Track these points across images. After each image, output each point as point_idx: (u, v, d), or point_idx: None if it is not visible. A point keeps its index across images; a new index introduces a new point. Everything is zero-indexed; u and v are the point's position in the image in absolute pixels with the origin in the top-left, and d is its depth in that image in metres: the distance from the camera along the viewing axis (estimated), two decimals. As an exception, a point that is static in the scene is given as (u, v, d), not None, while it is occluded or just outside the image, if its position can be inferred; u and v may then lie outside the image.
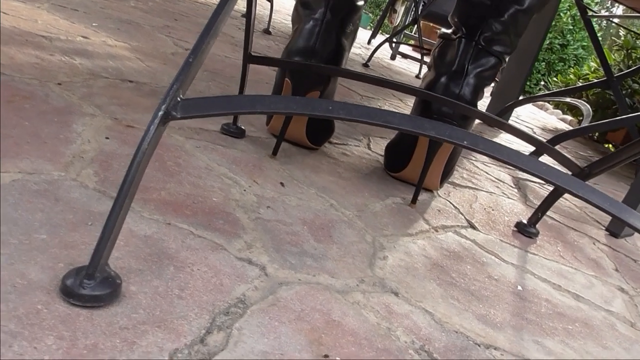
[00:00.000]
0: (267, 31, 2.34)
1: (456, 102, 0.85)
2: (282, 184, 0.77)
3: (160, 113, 0.43)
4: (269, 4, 2.48)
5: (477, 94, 0.90)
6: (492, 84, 3.58)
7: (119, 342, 0.38)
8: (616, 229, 1.14)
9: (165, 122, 0.43)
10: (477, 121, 2.08)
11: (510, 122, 2.21)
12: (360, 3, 0.92)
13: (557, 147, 0.88)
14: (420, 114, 0.92)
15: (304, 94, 0.87)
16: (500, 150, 0.49)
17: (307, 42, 0.86)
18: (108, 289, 0.40)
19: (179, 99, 0.44)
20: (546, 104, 3.81)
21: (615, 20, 2.96)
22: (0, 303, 0.37)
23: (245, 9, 2.74)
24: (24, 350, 0.34)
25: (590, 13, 1.78)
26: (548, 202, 0.92)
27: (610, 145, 2.86)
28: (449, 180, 1.11)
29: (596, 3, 6.38)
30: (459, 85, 0.89)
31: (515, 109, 2.41)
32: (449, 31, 0.94)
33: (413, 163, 0.92)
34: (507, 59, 0.94)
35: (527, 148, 1.74)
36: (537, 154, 1.26)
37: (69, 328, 0.37)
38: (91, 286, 0.40)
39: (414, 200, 0.89)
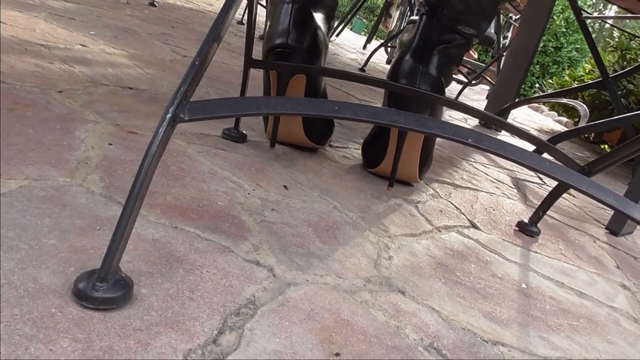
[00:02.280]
0: (262, 37, 2.35)
1: (447, 98, 0.85)
2: (285, 187, 0.78)
3: (168, 116, 0.43)
4: (264, 10, 2.48)
5: (443, 70, 0.90)
6: (489, 88, 3.60)
7: (133, 344, 0.38)
8: (616, 227, 1.15)
9: (173, 124, 0.44)
10: (475, 122, 2.09)
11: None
12: None
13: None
14: (389, 103, 0.92)
15: (288, 80, 0.86)
16: (504, 147, 0.50)
17: (282, 24, 0.86)
18: (120, 292, 0.41)
19: (186, 101, 0.45)
20: (542, 106, 3.83)
21: (609, 21, 2.99)
22: (14, 306, 0.37)
23: (241, 16, 2.74)
24: (40, 353, 0.34)
25: (584, 15, 1.79)
26: (549, 201, 0.92)
27: (607, 146, 2.87)
28: (450, 182, 1.12)
29: (589, 5, 6.42)
30: (423, 61, 0.88)
31: (511, 112, 2.42)
32: (416, 18, 0.95)
33: (388, 156, 0.92)
34: (474, 42, 0.94)
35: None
36: (537, 153, 1.26)
37: (83, 330, 0.37)
38: (104, 289, 0.40)
39: (391, 184, 0.91)
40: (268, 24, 0.93)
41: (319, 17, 0.91)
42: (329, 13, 0.95)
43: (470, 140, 0.49)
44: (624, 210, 0.49)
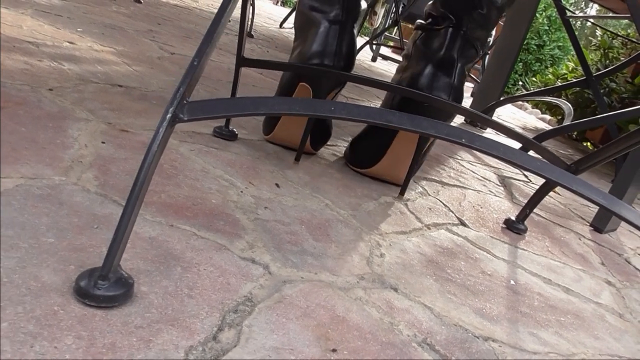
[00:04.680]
0: (249, 35, 2.35)
1: (458, 105, 0.86)
2: (277, 185, 0.78)
3: (168, 116, 0.43)
4: (250, 7, 2.48)
5: (463, 82, 0.91)
6: (473, 86, 3.63)
7: (135, 341, 0.38)
8: (600, 224, 1.17)
9: (173, 124, 0.44)
10: (461, 119, 2.11)
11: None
12: (364, 5, 0.94)
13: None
14: (399, 108, 0.92)
15: (325, 97, 0.87)
16: (496, 148, 0.51)
17: (325, 44, 0.86)
18: (122, 290, 0.41)
19: (185, 101, 0.45)
20: (525, 103, 3.87)
21: (591, 20, 3.03)
22: (16, 305, 0.38)
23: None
24: (45, 350, 0.35)
25: (568, 14, 1.82)
26: (535, 199, 0.94)
27: (589, 144, 2.91)
28: (438, 180, 1.13)
29: (571, 4, 6.49)
30: (451, 75, 0.88)
31: (496, 109, 2.45)
32: (426, 22, 0.94)
33: (387, 158, 0.91)
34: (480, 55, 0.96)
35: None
36: (523, 150, 1.28)
37: (86, 328, 0.38)
38: (105, 287, 0.40)
39: (403, 192, 0.92)
40: (300, 39, 0.92)
41: (355, 32, 0.92)
42: (360, 22, 0.95)
43: (463, 140, 0.50)
44: (612, 209, 0.50)
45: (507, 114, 3.24)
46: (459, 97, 0.90)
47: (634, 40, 2.64)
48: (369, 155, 0.94)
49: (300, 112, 0.49)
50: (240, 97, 0.48)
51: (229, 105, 0.47)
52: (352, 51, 0.89)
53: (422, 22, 0.96)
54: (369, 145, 0.95)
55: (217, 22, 0.48)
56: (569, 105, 1.42)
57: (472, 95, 3.15)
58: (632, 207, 0.51)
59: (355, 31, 0.91)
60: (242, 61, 0.85)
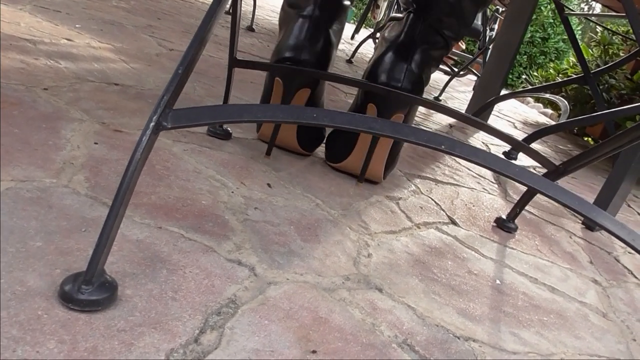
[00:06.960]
0: (250, 28, 2.35)
1: (422, 98, 0.87)
2: (269, 185, 0.79)
3: (152, 124, 0.45)
4: (252, 0, 2.48)
5: (424, 69, 0.91)
6: (475, 79, 3.62)
7: (117, 344, 0.40)
8: (592, 222, 1.18)
9: (157, 132, 0.45)
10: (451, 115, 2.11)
11: (492, 116, 2.25)
12: (347, 3, 0.94)
13: (539, 141, 0.91)
14: (365, 99, 0.92)
15: (295, 92, 0.88)
16: (476, 154, 0.52)
17: (297, 38, 0.87)
18: (105, 294, 0.42)
19: (168, 109, 0.46)
20: (527, 97, 3.86)
21: (589, 17, 3.02)
22: (1, 309, 0.39)
23: (228, 7, 2.73)
24: (27, 355, 0.36)
25: (567, 11, 1.81)
26: (526, 198, 0.95)
27: (589, 139, 2.91)
28: (432, 177, 1.14)
29: (575, -4, 6.45)
30: (408, 59, 0.89)
31: (498, 103, 2.45)
32: (399, 15, 0.96)
33: (355, 153, 0.92)
34: (452, 46, 0.95)
35: (505, 145, 1.78)
36: (514, 151, 1.29)
37: (69, 332, 0.39)
38: (89, 291, 0.42)
39: (361, 180, 0.93)
40: (280, 33, 0.93)
41: (332, 31, 0.92)
42: (342, 21, 0.96)
43: (443, 147, 0.51)
44: (588, 215, 0.51)
45: (508, 108, 3.23)
46: (417, 83, 0.90)
47: (632, 37, 2.64)
48: (340, 150, 0.95)
49: (283, 119, 0.50)
50: (224, 105, 0.49)
51: (213, 112, 0.48)
52: (326, 48, 0.90)
53: (396, 15, 0.97)
54: (340, 141, 0.95)
55: (203, 28, 0.49)
56: (565, 102, 1.43)
57: (473, 89, 3.14)
58: (610, 215, 0.52)
59: (334, 29, 0.92)
60: (234, 62, 0.86)
